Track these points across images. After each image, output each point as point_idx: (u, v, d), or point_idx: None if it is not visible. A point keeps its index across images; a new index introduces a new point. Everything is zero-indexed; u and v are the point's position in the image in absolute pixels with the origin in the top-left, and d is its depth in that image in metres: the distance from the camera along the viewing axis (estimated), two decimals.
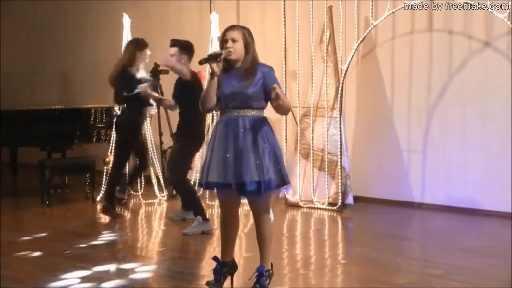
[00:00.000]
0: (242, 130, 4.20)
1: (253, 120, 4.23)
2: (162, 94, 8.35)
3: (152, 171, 7.93)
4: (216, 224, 6.48)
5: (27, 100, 10.52)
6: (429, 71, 7.17)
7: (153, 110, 7.90)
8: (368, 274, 4.86)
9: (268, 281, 4.34)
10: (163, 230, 6.59)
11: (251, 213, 4.44)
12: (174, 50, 6.38)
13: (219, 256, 4.50)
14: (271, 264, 4.41)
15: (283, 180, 4.27)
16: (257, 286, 4.29)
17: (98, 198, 7.77)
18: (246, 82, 4.22)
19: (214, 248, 5.80)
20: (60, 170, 8.01)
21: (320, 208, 7.22)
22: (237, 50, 4.23)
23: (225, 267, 4.45)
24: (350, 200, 7.32)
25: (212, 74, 4.19)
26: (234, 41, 4.23)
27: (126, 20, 7.80)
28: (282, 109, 4.23)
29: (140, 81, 6.82)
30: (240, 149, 4.17)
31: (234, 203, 4.40)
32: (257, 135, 4.20)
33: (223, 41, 4.26)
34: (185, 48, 6.42)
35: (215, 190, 4.33)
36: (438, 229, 6.43)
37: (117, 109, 7.82)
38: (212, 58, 4.19)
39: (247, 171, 4.14)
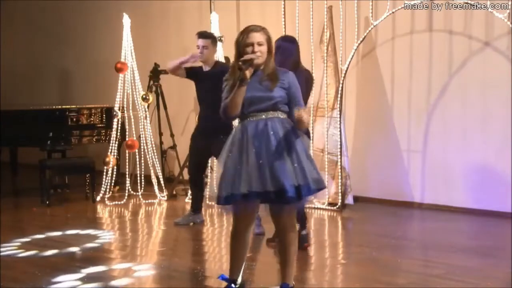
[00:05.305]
0: (272, 133, 3.94)
1: (282, 123, 3.99)
2: (162, 94, 8.37)
3: (152, 171, 7.92)
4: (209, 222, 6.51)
5: (27, 100, 10.53)
6: (429, 71, 7.17)
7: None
8: (368, 274, 4.85)
9: None
10: (163, 230, 6.59)
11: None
12: (207, 42, 6.35)
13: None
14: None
15: (320, 185, 4.07)
16: None
17: (98, 198, 7.76)
18: (270, 85, 3.99)
19: (214, 248, 5.81)
20: (60, 170, 8.00)
21: (320, 208, 7.21)
22: (263, 54, 3.99)
23: (236, 285, 4.18)
24: (350, 200, 7.32)
25: (244, 80, 3.90)
26: (260, 44, 3.98)
27: (126, 20, 7.79)
28: (302, 126, 3.96)
29: None
30: (274, 154, 3.91)
31: (252, 217, 4.12)
32: (290, 138, 3.96)
33: (247, 44, 3.97)
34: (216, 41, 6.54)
35: (231, 205, 3.97)
36: (438, 229, 6.42)
37: (117, 109, 7.80)
38: (248, 65, 3.92)
39: (286, 176, 3.88)
